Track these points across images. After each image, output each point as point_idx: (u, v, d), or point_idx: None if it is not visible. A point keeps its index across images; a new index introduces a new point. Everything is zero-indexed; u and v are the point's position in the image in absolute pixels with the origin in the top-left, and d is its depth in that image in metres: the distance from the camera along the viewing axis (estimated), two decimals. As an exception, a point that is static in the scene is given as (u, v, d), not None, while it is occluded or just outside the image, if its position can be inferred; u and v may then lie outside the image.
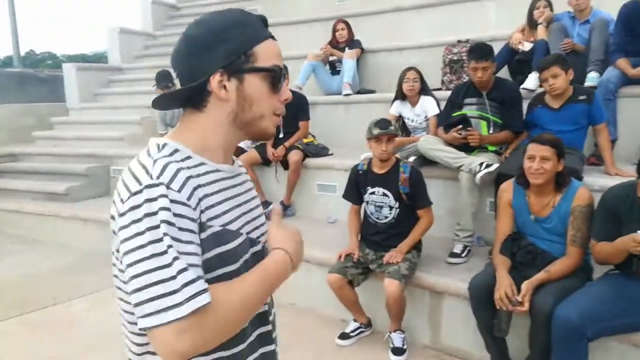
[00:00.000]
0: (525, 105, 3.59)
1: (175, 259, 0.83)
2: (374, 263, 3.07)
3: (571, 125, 3.29)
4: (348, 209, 3.30)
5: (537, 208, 2.62)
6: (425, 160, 3.66)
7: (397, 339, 2.93)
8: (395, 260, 2.90)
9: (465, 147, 3.48)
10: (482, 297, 2.56)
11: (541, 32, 4.32)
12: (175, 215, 0.85)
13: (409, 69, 4.15)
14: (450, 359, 2.95)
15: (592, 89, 3.51)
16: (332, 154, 4.62)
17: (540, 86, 3.93)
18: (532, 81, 4.00)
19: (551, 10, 4.46)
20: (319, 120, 5.08)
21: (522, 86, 3.97)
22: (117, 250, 0.89)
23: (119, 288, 0.96)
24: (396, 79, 4.22)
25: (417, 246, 3.09)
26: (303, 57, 5.49)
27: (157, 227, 0.83)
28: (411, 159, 3.76)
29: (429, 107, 4.06)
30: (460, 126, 3.47)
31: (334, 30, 5.63)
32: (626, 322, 2.26)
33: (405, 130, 4.25)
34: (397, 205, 3.04)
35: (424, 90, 4.13)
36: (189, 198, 0.88)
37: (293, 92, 4.34)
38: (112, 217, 0.91)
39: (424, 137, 3.70)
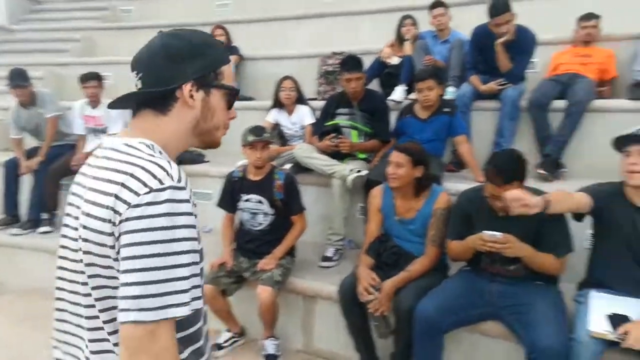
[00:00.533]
0: (394, 115, 3.82)
1: (193, 263, 0.92)
2: (247, 271, 3.04)
3: (434, 135, 3.56)
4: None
5: (402, 210, 2.79)
6: (300, 168, 3.73)
7: (270, 346, 2.93)
8: (269, 267, 2.91)
9: (338, 155, 3.61)
10: (349, 298, 2.66)
11: (407, 48, 4.63)
12: (194, 222, 0.94)
13: (286, 78, 4.20)
14: (322, 362, 3.02)
15: (454, 102, 3.84)
16: (208, 161, 4.52)
17: (407, 98, 4.25)
18: (398, 93, 4.26)
19: (416, 28, 4.80)
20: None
21: (389, 98, 4.21)
22: (116, 237, 0.91)
23: (98, 275, 0.96)
24: (274, 87, 4.26)
25: (291, 252, 3.12)
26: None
27: (180, 227, 0.90)
28: (287, 166, 3.81)
29: (304, 116, 4.16)
30: (333, 135, 3.60)
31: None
32: (475, 313, 2.48)
33: (282, 138, 4.30)
34: (272, 212, 3.06)
35: (300, 99, 4.22)
36: (194, 205, 0.97)
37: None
38: (104, 206, 0.92)
39: (299, 145, 3.77)
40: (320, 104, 4.18)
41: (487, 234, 2.30)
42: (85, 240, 0.95)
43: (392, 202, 2.83)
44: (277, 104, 4.23)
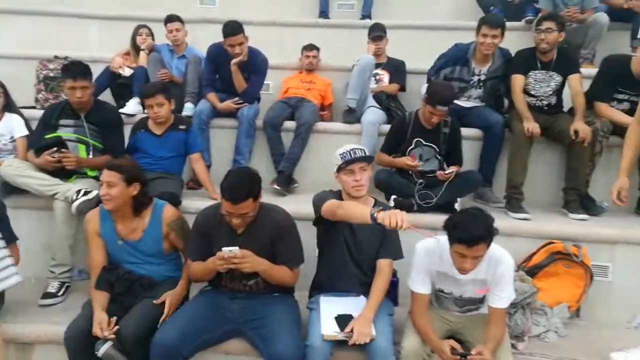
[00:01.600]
0: (127, 130, 3.55)
1: None
2: None
3: (172, 152, 3.44)
4: None
5: (125, 232, 2.62)
6: (12, 188, 3.13)
7: None
8: None
9: (62, 173, 3.15)
10: (80, 346, 2.35)
11: (142, 59, 4.42)
12: None
13: None
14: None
15: (190, 119, 3.77)
16: None
17: (143, 112, 4.02)
18: (132, 106, 4.03)
19: (153, 39, 4.62)
20: None
21: (121, 110, 3.92)
22: None
23: None
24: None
25: None
26: None
27: None
28: (-6, 186, 3.16)
29: (15, 126, 3.52)
30: (55, 149, 3.12)
31: None
32: (219, 333, 2.46)
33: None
34: None
35: (9, 106, 3.57)
36: None
37: None
38: None
39: (8, 162, 3.16)
40: (39, 113, 3.61)
41: (225, 250, 2.30)
42: None
43: (112, 226, 2.63)
44: (-23, 112, 3.48)
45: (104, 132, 3.37)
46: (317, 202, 2.53)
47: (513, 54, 3.80)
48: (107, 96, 4.33)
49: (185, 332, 2.32)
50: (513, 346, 2.51)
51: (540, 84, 3.69)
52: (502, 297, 2.33)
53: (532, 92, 3.71)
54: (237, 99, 3.98)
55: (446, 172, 3.34)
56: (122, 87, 4.35)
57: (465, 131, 3.67)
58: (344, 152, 2.53)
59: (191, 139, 3.50)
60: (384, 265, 2.55)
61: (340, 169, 2.53)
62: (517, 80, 3.67)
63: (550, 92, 3.70)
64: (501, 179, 3.66)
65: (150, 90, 3.38)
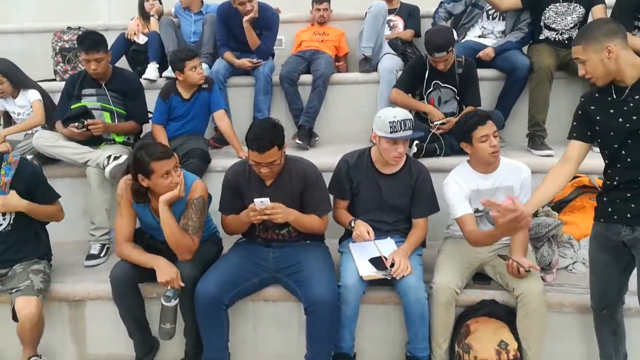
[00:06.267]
0: (149, 95, 3.59)
1: None
2: None
3: (199, 113, 3.51)
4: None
5: (156, 207, 2.52)
6: (46, 159, 3.25)
7: None
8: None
9: (91, 141, 3.24)
10: (124, 282, 2.49)
11: (154, 25, 4.41)
12: None
13: None
14: (101, 368, 2.76)
15: (211, 78, 3.78)
16: None
17: (161, 76, 4.06)
18: (152, 72, 4.06)
19: (160, 3, 4.59)
20: None
21: (144, 76, 3.97)
22: None
23: None
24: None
25: (46, 255, 2.74)
26: None
27: None
28: (28, 157, 3.26)
29: (30, 95, 3.59)
30: (76, 123, 3.17)
31: None
32: (256, 281, 2.57)
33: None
34: (10, 214, 2.61)
35: (23, 84, 3.63)
36: None
37: None
38: None
39: (39, 134, 3.26)
40: (59, 85, 3.69)
41: (257, 201, 2.38)
42: None
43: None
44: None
45: (126, 99, 3.42)
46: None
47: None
48: (122, 62, 4.37)
49: (224, 282, 2.44)
50: (542, 279, 2.58)
51: (561, 16, 3.59)
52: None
53: (553, 26, 3.62)
54: (255, 60, 3.96)
55: (438, 122, 3.33)
56: (137, 53, 4.38)
57: (483, 72, 3.63)
58: (393, 122, 2.49)
59: (214, 97, 3.53)
60: (419, 222, 2.67)
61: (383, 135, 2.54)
62: None
63: (572, 25, 3.61)
64: (522, 118, 3.65)
65: (190, 53, 3.38)
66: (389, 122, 2.49)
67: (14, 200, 2.53)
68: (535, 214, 2.78)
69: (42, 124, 3.56)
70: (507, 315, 2.45)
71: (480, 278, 2.63)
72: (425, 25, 4.39)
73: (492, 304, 2.50)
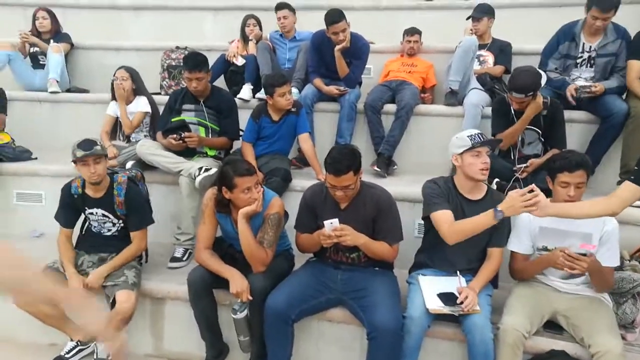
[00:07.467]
0: (242, 114, 3.83)
1: None
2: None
3: (285, 134, 3.70)
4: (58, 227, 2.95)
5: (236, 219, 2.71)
6: (145, 165, 3.57)
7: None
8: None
9: (186, 153, 3.53)
10: (200, 286, 2.68)
11: (252, 48, 4.71)
12: None
13: (120, 67, 4.08)
14: (173, 364, 2.95)
15: (299, 102, 3.98)
16: (35, 158, 4.06)
17: (254, 97, 4.33)
18: (246, 92, 4.33)
19: (260, 29, 4.90)
20: (18, 119, 4.42)
21: (238, 96, 4.25)
22: None
23: None
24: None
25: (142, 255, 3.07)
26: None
27: None
28: (129, 164, 3.62)
29: (140, 104, 4.04)
30: (175, 135, 3.46)
31: (34, 19, 5.00)
32: (323, 300, 2.65)
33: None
34: (119, 222, 2.96)
35: (139, 90, 4.07)
36: None
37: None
38: None
39: (142, 142, 3.60)
40: (164, 98, 4.05)
41: (326, 222, 2.48)
42: None
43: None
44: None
45: (221, 116, 3.70)
46: (427, 201, 2.64)
47: (632, 34, 3.54)
48: (220, 82, 4.70)
49: (292, 297, 2.55)
50: (622, 337, 2.44)
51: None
52: (612, 256, 2.42)
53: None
54: (341, 87, 4.11)
55: (521, 167, 3.25)
56: (235, 74, 4.69)
57: (573, 114, 3.52)
58: (472, 135, 2.57)
59: (301, 120, 3.71)
60: (494, 252, 2.63)
61: (466, 150, 2.58)
62: (634, 66, 3.45)
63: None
64: (612, 163, 3.49)
65: (281, 79, 3.56)
66: (468, 137, 2.56)
67: (96, 283, 2.78)
68: (621, 268, 2.64)
69: (130, 133, 4.00)
70: (577, 370, 2.35)
71: (551, 326, 2.53)
72: (519, 61, 4.33)
73: (563, 354, 2.39)
